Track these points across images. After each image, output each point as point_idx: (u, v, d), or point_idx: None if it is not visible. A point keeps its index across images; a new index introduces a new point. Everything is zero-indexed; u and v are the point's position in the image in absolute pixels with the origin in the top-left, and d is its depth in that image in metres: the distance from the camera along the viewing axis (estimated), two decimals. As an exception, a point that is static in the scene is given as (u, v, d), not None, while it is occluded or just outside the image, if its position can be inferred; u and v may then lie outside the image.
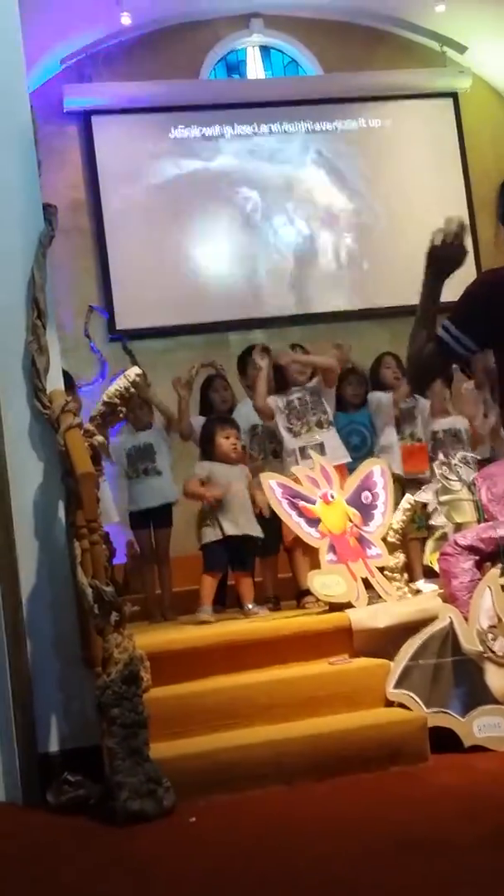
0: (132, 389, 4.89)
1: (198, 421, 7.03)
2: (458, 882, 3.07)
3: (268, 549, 6.08)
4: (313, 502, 5.42)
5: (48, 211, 5.23)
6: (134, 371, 4.93)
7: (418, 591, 5.42)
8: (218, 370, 9.44)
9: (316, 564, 5.93)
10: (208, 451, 6.02)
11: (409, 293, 9.75)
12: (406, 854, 3.44)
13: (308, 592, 5.92)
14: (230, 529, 5.76)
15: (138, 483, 6.72)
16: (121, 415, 4.98)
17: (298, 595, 6.06)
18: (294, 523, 5.36)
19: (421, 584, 5.48)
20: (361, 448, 6.68)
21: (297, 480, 5.53)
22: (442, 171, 10.15)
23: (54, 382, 5.06)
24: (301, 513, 5.38)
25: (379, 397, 6.73)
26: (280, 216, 9.95)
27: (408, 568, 5.66)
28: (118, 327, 9.47)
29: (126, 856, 3.83)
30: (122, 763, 4.24)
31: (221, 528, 5.72)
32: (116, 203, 9.52)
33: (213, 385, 7.21)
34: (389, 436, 6.62)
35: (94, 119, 9.52)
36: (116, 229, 9.49)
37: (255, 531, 5.82)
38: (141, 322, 9.49)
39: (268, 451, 6.48)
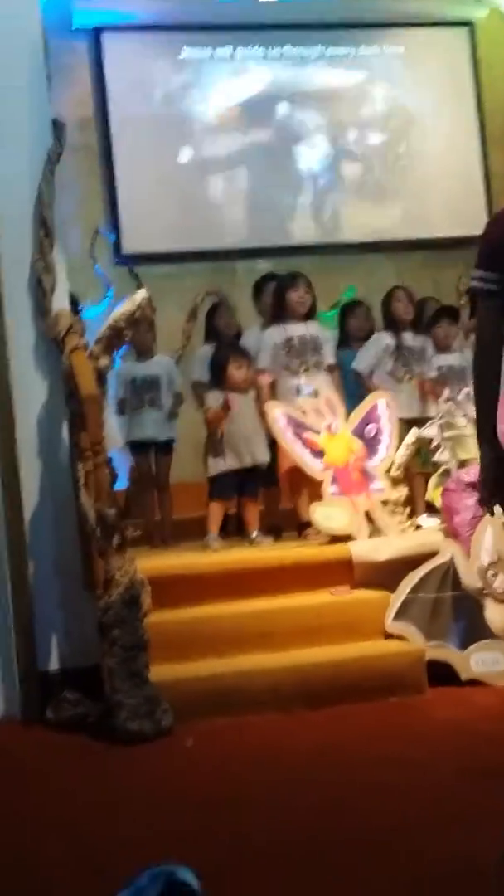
0: (138, 313, 4.84)
1: (204, 350, 6.95)
2: (449, 816, 3.10)
3: (270, 478, 6.05)
4: (317, 433, 5.39)
5: (57, 127, 5.14)
6: (141, 294, 4.88)
7: (419, 526, 5.41)
8: (223, 298, 9.39)
9: (315, 496, 5.96)
10: (220, 379, 5.95)
11: (420, 227, 9.77)
12: (400, 782, 3.48)
13: (309, 524, 5.92)
14: (238, 461, 5.73)
15: (141, 413, 6.66)
16: (126, 338, 4.94)
17: (300, 526, 6.03)
18: (298, 454, 5.33)
19: (423, 519, 5.47)
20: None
21: (301, 410, 5.49)
22: (456, 103, 9.95)
23: (60, 302, 5.02)
24: (305, 444, 5.35)
25: (386, 339, 6.52)
26: (290, 145, 9.78)
27: (410, 503, 5.64)
28: (124, 251, 9.30)
29: (123, 773, 3.88)
30: (121, 684, 4.28)
31: (230, 459, 5.69)
32: (125, 123, 9.33)
33: (219, 312, 7.12)
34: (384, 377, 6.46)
35: (105, 36, 9.29)
36: (125, 150, 9.29)
37: (264, 457, 5.77)
38: (148, 246, 9.32)
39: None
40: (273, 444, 5.82)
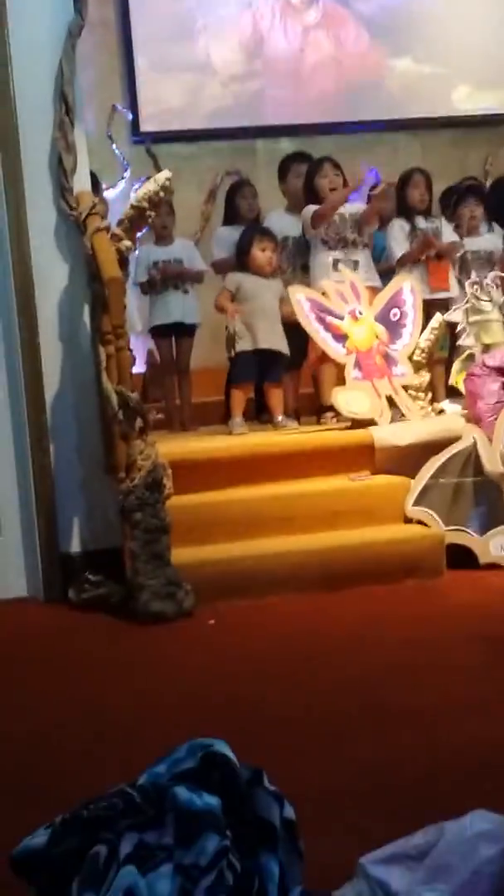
0: (161, 193, 4.76)
1: (223, 231, 6.86)
2: (464, 699, 3.15)
3: (291, 362, 6.01)
4: (341, 318, 5.34)
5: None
6: (164, 175, 4.79)
7: (441, 411, 5.40)
8: (242, 178, 9.22)
9: (340, 381, 5.93)
10: (243, 261, 5.87)
11: (444, 104, 9.51)
12: (419, 662, 3.53)
13: (328, 408, 5.91)
14: (257, 343, 5.69)
15: (165, 296, 6.59)
16: (149, 219, 4.87)
17: (319, 411, 6.02)
18: (321, 339, 5.29)
19: (445, 404, 5.46)
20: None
21: (326, 296, 5.43)
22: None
23: (81, 183, 4.93)
24: (328, 328, 5.31)
25: (400, 224, 6.42)
26: (313, 19, 9.50)
27: (432, 388, 5.61)
28: (142, 129, 9.14)
29: (145, 651, 3.95)
30: (143, 566, 4.32)
31: (246, 341, 5.64)
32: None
33: (242, 192, 6.97)
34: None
35: None
36: (144, 25, 9.05)
37: (283, 347, 5.73)
38: (166, 125, 9.14)
39: (297, 265, 6.33)
40: (297, 330, 5.79)
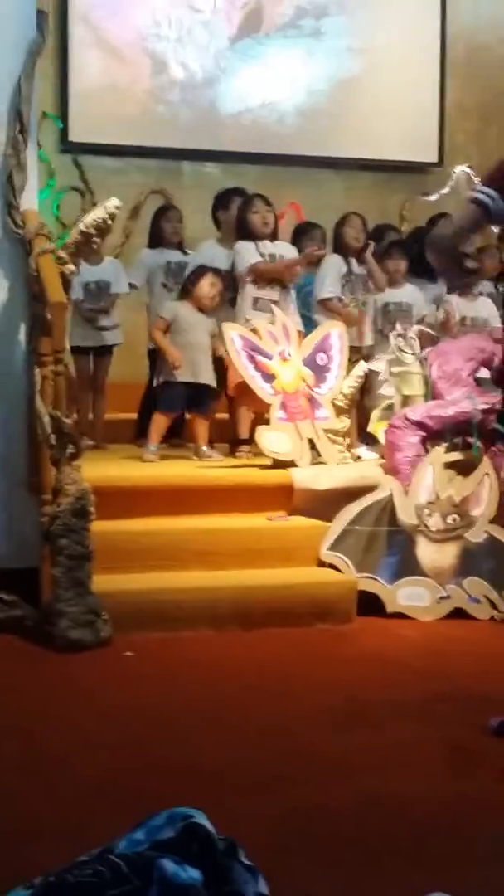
0: (109, 221, 4.82)
1: (147, 254, 6.93)
2: (380, 749, 3.28)
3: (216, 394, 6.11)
4: (270, 358, 5.46)
5: (41, 18, 5.01)
6: (113, 202, 4.85)
7: (359, 458, 5.55)
8: (168, 199, 9.29)
9: (257, 417, 6.04)
10: (188, 291, 5.97)
11: (373, 147, 9.71)
12: (330, 705, 3.66)
13: (244, 442, 6.01)
14: (187, 377, 5.79)
15: (96, 317, 6.63)
16: (95, 246, 4.92)
17: (233, 442, 6.12)
18: (250, 377, 5.40)
19: (362, 451, 5.61)
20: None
21: (256, 333, 5.54)
22: (419, 27, 9.86)
23: (29, 202, 4.95)
24: (258, 367, 5.42)
25: (339, 263, 6.55)
26: (249, 50, 9.62)
27: (350, 433, 5.76)
28: (71, 138, 9.15)
29: (63, 680, 3.98)
30: (65, 592, 4.35)
31: (180, 372, 5.77)
32: (82, 9, 9.09)
33: (167, 215, 7.06)
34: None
35: None
36: (81, 33, 9.08)
37: (211, 381, 5.84)
38: (96, 137, 9.17)
39: (225, 298, 6.43)
40: (219, 360, 5.90)
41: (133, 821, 2.57)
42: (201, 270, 6.02)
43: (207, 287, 5.84)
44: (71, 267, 4.79)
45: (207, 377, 5.83)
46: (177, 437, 6.51)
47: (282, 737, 3.35)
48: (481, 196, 3.18)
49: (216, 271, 6.04)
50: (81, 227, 4.79)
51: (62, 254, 4.76)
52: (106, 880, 1.72)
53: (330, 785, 2.95)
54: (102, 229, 4.81)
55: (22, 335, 4.92)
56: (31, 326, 4.83)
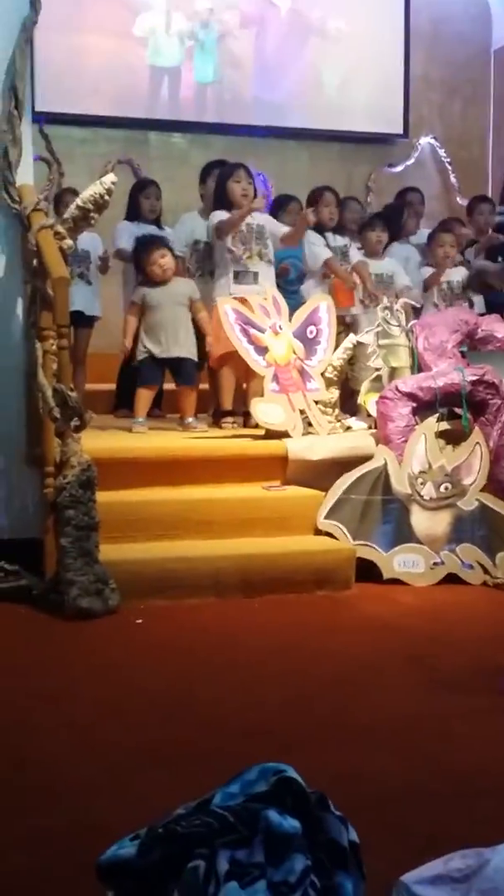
0: (107, 197, 4.85)
1: (125, 225, 6.97)
2: (372, 698, 3.45)
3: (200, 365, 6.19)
4: (262, 331, 5.54)
5: (34, -7, 5.03)
6: (109, 178, 4.89)
7: (349, 428, 5.66)
8: (135, 169, 9.32)
9: (238, 388, 6.14)
10: (142, 272, 6.06)
11: (339, 119, 9.78)
12: (338, 667, 3.81)
13: (229, 413, 6.11)
14: (162, 351, 5.88)
15: (71, 287, 6.64)
16: (92, 221, 4.94)
17: (217, 413, 6.21)
18: (244, 349, 5.48)
19: (352, 421, 5.72)
20: (296, 282, 6.75)
21: (247, 305, 5.63)
22: (384, 2, 9.93)
23: (25, 177, 4.99)
24: (251, 340, 5.50)
25: (315, 236, 6.66)
26: (216, 15, 9.62)
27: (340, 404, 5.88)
28: (37, 108, 9.09)
29: (79, 648, 4.06)
30: (73, 562, 4.43)
31: (152, 346, 5.85)
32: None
33: (146, 191, 7.10)
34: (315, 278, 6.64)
35: None
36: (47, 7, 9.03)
37: (192, 353, 5.94)
38: (62, 107, 9.14)
39: (206, 269, 6.49)
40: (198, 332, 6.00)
41: (181, 780, 2.72)
42: (147, 243, 6.10)
43: (158, 257, 5.90)
44: (69, 242, 4.83)
45: (185, 350, 5.92)
46: (157, 408, 6.59)
47: (303, 701, 3.46)
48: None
49: (161, 242, 6.11)
50: (79, 202, 4.83)
51: (60, 228, 4.80)
52: (215, 830, 1.82)
53: (361, 749, 3.06)
54: (100, 205, 4.85)
55: (20, 310, 4.96)
56: (31, 301, 4.87)
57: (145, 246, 6.14)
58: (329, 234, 6.63)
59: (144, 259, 6.02)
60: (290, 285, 6.61)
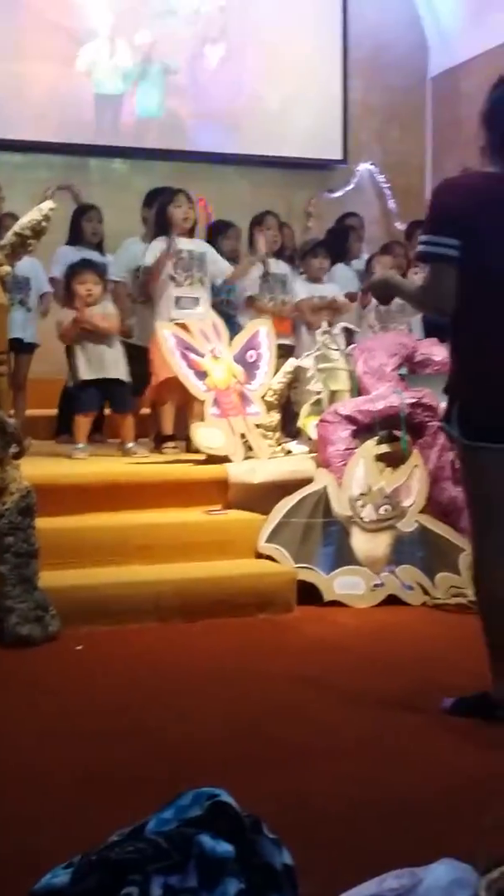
0: (45, 223, 4.87)
1: (65, 250, 6.98)
2: (315, 720, 3.46)
3: (136, 390, 6.19)
4: (202, 356, 5.57)
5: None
6: (48, 204, 4.92)
7: (289, 451, 5.69)
8: (75, 195, 9.32)
9: (179, 413, 6.15)
10: (70, 292, 6.09)
11: (278, 144, 9.86)
12: (280, 689, 3.81)
13: (169, 438, 6.11)
14: (93, 374, 5.89)
15: (10, 313, 6.62)
16: (30, 247, 4.95)
17: (158, 439, 6.21)
18: (183, 374, 5.50)
19: (293, 444, 5.76)
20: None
21: (187, 330, 5.65)
22: (322, 29, 10.05)
23: (-37, 203, 4.98)
24: (190, 365, 5.52)
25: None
26: (158, 44, 9.69)
27: (280, 428, 5.90)
28: (-25, 135, 9.12)
29: (17, 675, 4.03)
30: (12, 589, 4.40)
31: (86, 371, 5.87)
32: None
33: (89, 215, 7.13)
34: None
35: None
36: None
37: (122, 374, 5.94)
38: (2, 132, 9.17)
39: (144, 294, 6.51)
40: (140, 358, 6.01)
41: (123, 807, 2.70)
42: (73, 269, 6.14)
43: (79, 287, 5.95)
44: (7, 268, 4.84)
45: (117, 371, 5.93)
46: (98, 433, 6.58)
47: (246, 724, 3.46)
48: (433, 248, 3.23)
49: (83, 268, 6.14)
50: (17, 229, 4.84)
51: (-3, 255, 4.80)
52: (148, 856, 1.82)
53: (305, 769, 3.07)
54: (38, 231, 4.86)
55: (-41, 337, 4.94)
56: (-31, 327, 4.86)
57: (70, 273, 6.17)
58: (271, 261, 6.68)
59: (68, 282, 6.07)
60: (231, 308, 6.65)
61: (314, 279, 6.72)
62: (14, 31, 9.04)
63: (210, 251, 6.30)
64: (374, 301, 6.67)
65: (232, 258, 6.85)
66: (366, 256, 7.44)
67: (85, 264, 6.20)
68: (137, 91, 9.66)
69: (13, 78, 9.12)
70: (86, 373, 5.92)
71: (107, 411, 6.36)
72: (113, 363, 5.93)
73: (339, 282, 7.04)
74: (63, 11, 9.31)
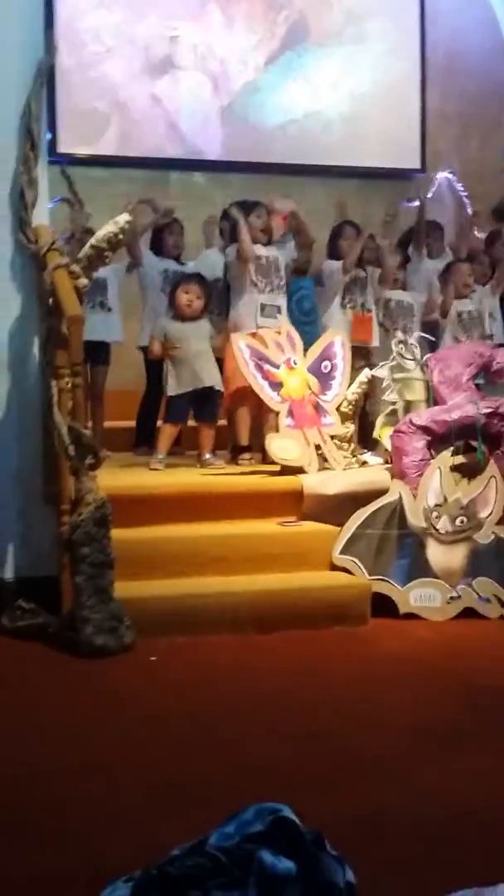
0: (121, 235, 4.91)
1: (150, 257, 7.06)
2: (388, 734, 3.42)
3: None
4: (277, 366, 5.58)
5: (49, 37, 5.11)
6: (124, 217, 4.95)
7: (364, 462, 5.67)
8: (156, 208, 9.40)
9: (255, 423, 6.15)
10: (172, 302, 6.11)
11: (356, 155, 9.84)
12: (360, 702, 3.80)
13: (245, 449, 6.11)
14: (185, 386, 5.89)
15: (90, 316, 6.71)
16: (107, 260, 5.01)
17: (234, 450, 6.22)
18: (258, 385, 5.51)
19: (367, 456, 5.73)
20: (311, 313, 6.81)
21: (260, 341, 5.66)
22: (399, 36, 10.02)
23: (40, 217, 5.05)
24: (265, 376, 5.53)
25: (332, 266, 6.80)
26: (236, 61, 9.75)
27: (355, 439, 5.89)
28: (59, 150, 9.24)
29: (94, 685, 4.07)
30: (88, 599, 4.44)
31: (180, 384, 5.88)
32: (69, 17, 9.20)
33: (171, 228, 7.22)
34: (336, 305, 6.72)
35: None
36: (68, 45, 9.18)
37: (215, 382, 5.95)
38: (84, 148, 9.30)
39: (222, 306, 6.54)
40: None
41: (189, 819, 2.71)
42: (177, 280, 6.17)
43: (182, 295, 5.96)
44: (84, 281, 4.89)
45: (211, 379, 5.93)
46: (175, 445, 6.62)
47: (319, 737, 3.45)
48: None
49: (189, 278, 6.17)
50: (94, 242, 4.88)
51: (75, 268, 4.85)
52: (208, 871, 1.82)
53: (376, 784, 3.05)
54: (114, 244, 4.91)
55: (36, 349, 5.00)
56: (46, 340, 4.92)
57: (175, 277, 6.20)
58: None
59: (173, 289, 6.12)
60: (305, 316, 6.65)
61: (394, 282, 6.73)
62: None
63: (281, 252, 6.31)
64: (455, 310, 6.66)
65: (302, 269, 6.85)
66: (449, 257, 7.48)
67: (195, 277, 6.23)
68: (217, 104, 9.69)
69: (92, 93, 9.20)
70: (175, 389, 5.94)
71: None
72: (204, 371, 5.93)
73: (424, 274, 7.04)
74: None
